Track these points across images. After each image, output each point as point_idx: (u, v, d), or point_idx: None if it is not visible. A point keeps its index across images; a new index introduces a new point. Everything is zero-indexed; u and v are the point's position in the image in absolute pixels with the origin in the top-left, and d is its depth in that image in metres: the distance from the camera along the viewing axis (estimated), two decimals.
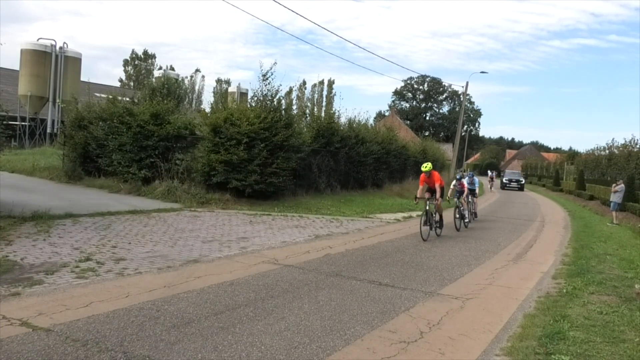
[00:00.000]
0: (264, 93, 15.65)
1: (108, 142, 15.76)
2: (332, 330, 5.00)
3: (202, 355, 4.17)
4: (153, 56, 71.89)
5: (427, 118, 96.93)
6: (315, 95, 76.13)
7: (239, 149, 14.13)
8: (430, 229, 11.49)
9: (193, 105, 59.66)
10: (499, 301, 6.69)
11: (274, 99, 15.75)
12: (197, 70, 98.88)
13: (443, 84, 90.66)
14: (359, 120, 22.05)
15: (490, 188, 39.37)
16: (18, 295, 5.32)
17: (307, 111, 24.42)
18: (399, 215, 15.95)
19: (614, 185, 19.12)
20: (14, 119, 27.73)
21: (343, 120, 21.06)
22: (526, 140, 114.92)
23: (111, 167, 15.76)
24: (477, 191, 16.04)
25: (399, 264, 8.51)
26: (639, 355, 4.83)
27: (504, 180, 43.43)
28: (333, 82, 77.55)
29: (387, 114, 79.90)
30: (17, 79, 31.90)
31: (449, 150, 50.43)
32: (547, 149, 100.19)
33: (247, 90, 36.00)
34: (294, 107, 25.54)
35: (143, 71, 68.64)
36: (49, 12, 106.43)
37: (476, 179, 16.07)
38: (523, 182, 43.47)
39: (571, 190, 35.55)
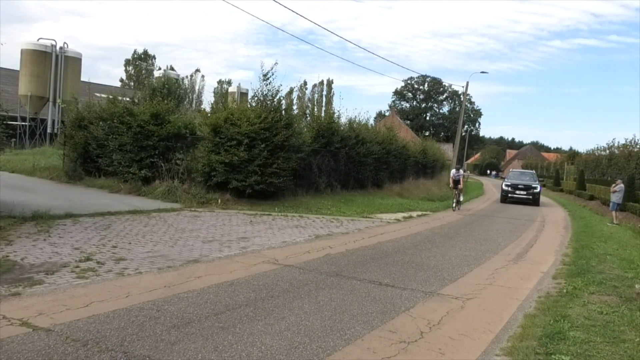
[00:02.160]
0: (265, 93, 15.64)
1: (108, 142, 15.77)
2: (333, 330, 5.00)
3: (202, 355, 4.17)
4: (153, 57, 72.00)
5: (428, 118, 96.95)
6: (316, 96, 76.20)
7: (240, 149, 14.13)
8: None
9: (193, 105, 59.60)
10: (499, 301, 6.69)
11: (275, 99, 15.74)
12: (197, 70, 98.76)
13: (443, 84, 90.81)
14: (359, 120, 22.08)
15: (454, 202, 19.66)
16: (18, 295, 5.32)
17: (308, 111, 24.43)
18: (399, 215, 15.95)
19: (613, 185, 19.16)
20: (14, 119, 27.74)
21: (343, 120, 21.11)
22: (526, 140, 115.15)
23: (111, 167, 15.77)
24: None
25: (399, 264, 8.51)
26: (639, 355, 4.83)
27: (503, 187, 26.56)
28: (332, 82, 77.63)
29: (387, 114, 79.94)
30: (17, 79, 31.94)
31: (449, 150, 50.40)
32: (548, 149, 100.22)
33: (247, 90, 36.03)
34: (295, 107, 25.57)
35: (143, 71, 68.67)
36: (49, 12, 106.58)
37: None
38: (539, 189, 26.26)
39: (571, 190, 35.58)
